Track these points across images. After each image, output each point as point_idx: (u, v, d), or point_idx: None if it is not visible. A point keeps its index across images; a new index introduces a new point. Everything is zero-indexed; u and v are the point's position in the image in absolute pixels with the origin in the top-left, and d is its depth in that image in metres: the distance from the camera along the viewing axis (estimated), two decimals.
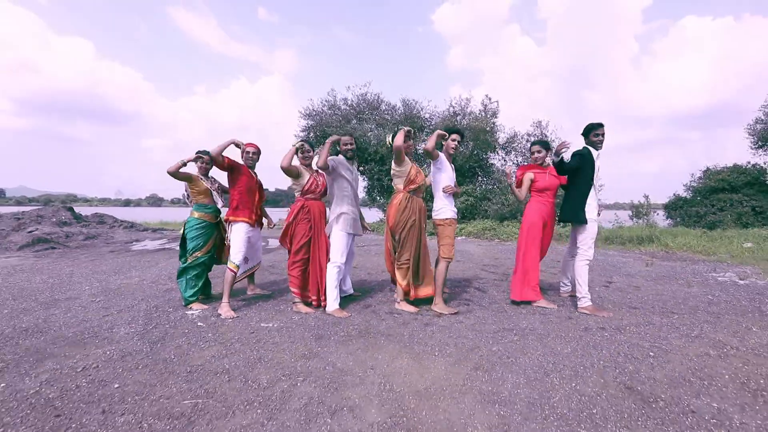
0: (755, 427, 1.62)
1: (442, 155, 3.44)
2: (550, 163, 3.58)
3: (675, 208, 16.66)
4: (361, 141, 13.91)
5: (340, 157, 3.51)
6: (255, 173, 3.69)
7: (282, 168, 3.29)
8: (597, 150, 3.40)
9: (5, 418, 1.68)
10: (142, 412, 1.74)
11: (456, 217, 3.46)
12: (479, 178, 15.38)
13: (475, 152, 14.84)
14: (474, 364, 2.27)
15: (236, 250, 3.40)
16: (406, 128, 3.29)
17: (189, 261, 3.46)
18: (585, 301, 3.32)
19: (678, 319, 3.13)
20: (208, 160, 3.56)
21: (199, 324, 2.99)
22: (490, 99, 14.60)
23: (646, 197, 14.12)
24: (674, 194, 18.08)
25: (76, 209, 14.57)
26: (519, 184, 3.69)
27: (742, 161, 15.62)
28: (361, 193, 16.09)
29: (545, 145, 3.71)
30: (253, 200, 3.57)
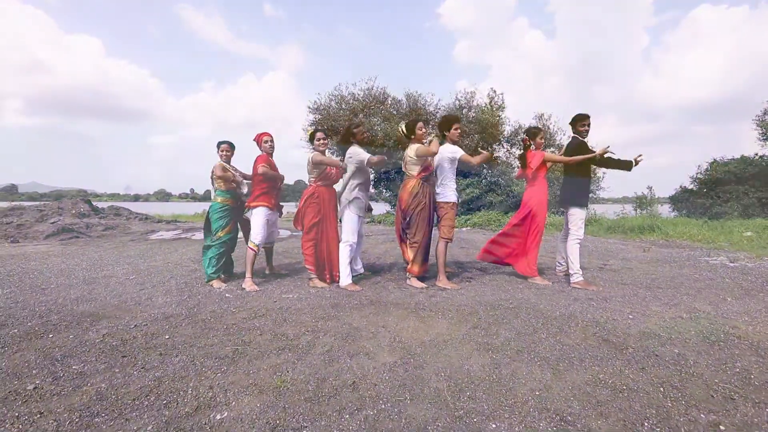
0: (706, 365, 1.92)
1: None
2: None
3: (681, 200, 16.75)
4: (367, 134, 14.20)
5: (359, 148, 3.71)
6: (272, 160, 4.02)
7: (314, 161, 3.66)
8: (583, 139, 3.73)
9: (82, 358, 2.04)
10: (193, 354, 2.09)
11: (457, 201, 3.78)
12: (485, 170, 15.60)
13: (481, 145, 15.06)
14: (472, 323, 2.59)
15: (256, 232, 3.76)
16: (430, 139, 3.62)
17: (213, 240, 3.81)
18: (577, 277, 3.63)
19: (662, 292, 3.42)
20: (227, 148, 3.91)
21: (227, 295, 3.35)
22: (495, 92, 14.79)
23: (650, 188, 14.27)
24: (680, 186, 18.12)
25: (102, 205, 15.13)
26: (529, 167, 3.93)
27: (751, 153, 15.64)
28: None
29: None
30: (275, 185, 3.91)
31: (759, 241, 7.69)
